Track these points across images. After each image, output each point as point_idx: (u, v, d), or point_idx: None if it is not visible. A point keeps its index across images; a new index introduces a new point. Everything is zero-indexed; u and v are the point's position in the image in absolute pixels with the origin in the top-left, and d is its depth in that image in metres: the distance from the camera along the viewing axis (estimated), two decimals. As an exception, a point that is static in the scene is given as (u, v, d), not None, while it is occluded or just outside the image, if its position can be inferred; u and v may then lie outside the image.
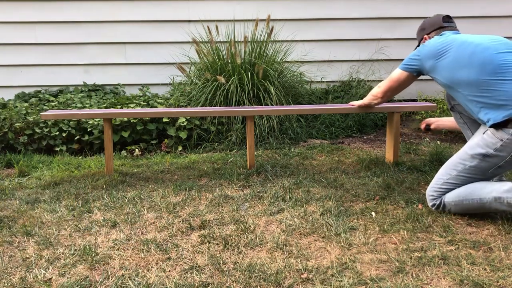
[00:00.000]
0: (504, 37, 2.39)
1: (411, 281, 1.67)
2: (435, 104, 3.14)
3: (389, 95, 2.71)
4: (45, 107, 3.96)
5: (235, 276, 1.73)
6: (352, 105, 2.98)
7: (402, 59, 2.59)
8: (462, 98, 2.31)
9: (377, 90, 2.74)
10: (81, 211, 2.40)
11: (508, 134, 2.10)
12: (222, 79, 3.68)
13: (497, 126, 2.13)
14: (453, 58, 2.27)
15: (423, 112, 4.29)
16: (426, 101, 4.52)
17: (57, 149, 3.63)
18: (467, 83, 2.23)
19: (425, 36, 2.60)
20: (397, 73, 2.57)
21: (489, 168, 2.17)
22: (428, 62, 2.39)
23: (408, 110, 3.35)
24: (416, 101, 4.61)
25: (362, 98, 4.48)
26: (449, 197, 2.24)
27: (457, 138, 3.89)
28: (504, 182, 2.15)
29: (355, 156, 3.36)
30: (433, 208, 2.29)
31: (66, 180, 2.93)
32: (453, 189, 2.24)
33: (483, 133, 2.20)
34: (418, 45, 2.66)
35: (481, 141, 2.19)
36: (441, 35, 2.50)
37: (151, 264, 1.84)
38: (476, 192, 2.16)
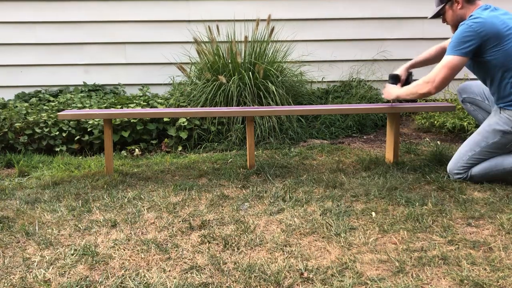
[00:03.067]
0: None
1: (411, 281, 1.67)
2: (453, 105, 3.11)
3: (444, 86, 2.56)
4: (45, 107, 3.96)
5: (235, 276, 1.73)
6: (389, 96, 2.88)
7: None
8: (498, 79, 2.52)
9: (428, 86, 2.56)
10: (81, 211, 2.40)
11: None
12: (223, 79, 3.68)
13: None
14: None
15: (423, 112, 4.28)
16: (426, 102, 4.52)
17: (57, 149, 3.63)
18: None
19: None
20: (455, 60, 2.49)
21: (507, 143, 2.58)
22: (491, 41, 2.45)
23: (426, 110, 3.33)
24: (416, 101, 4.60)
25: (362, 98, 4.46)
26: (476, 170, 2.63)
27: (457, 138, 3.88)
28: None
29: (355, 156, 3.36)
30: (458, 180, 2.67)
31: (66, 180, 2.93)
32: (478, 163, 2.63)
33: (500, 114, 2.55)
34: (440, 13, 2.64)
35: (499, 120, 2.56)
36: (486, 8, 2.53)
37: (151, 264, 1.84)
38: (499, 164, 2.59)
